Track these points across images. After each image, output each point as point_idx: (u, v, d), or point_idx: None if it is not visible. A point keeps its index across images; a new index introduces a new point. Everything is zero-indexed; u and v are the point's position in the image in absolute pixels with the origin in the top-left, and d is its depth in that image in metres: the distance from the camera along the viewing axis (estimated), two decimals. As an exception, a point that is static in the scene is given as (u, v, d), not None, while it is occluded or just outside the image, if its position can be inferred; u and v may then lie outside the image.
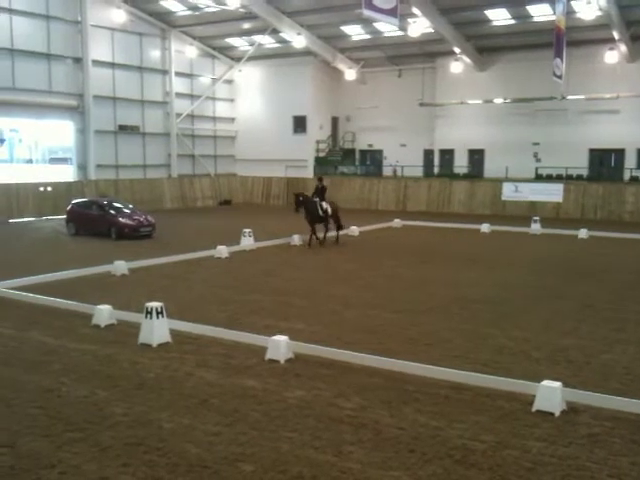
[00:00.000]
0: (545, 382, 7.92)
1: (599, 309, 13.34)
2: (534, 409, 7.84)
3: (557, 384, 7.85)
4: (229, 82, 43.49)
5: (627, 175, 33.13)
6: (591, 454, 6.76)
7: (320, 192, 22.49)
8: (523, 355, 10.17)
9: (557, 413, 7.71)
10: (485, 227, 26.93)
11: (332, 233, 23.29)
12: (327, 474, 6.33)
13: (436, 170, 38.96)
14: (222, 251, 19.84)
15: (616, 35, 31.19)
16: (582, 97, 33.30)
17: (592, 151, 34.45)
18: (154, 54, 38.70)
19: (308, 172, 41.09)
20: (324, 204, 22.26)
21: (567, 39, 30.42)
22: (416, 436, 7.19)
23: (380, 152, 41.67)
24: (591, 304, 13.75)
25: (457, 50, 35.89)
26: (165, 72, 39.21)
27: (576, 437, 7.18)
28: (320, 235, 22.60)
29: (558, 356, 10.12)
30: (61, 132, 36.11)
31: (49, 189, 32.35)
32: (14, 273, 15.59)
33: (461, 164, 37.98)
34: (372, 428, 7.40)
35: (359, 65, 40.55)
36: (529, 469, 6.45)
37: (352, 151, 42.63)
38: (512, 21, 33.20)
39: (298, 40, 36.68)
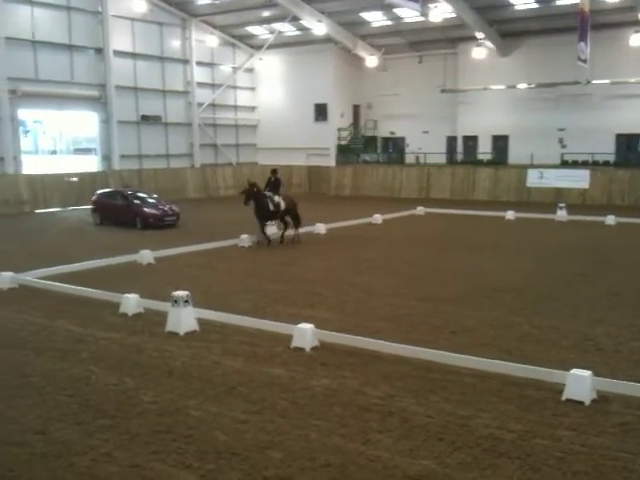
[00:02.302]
0: (575, 370, 7.84)
1: (627, 297, 13.15)
2: (563, 398, 7.76)
3: (587, 372, 7.76)
4: (250, 71, 43.45)
5: (655, 160, 32.59)
6: (623, 444, 6.68)
7: (274, 185, 20.39)
8: (550, 343, 10.08)
9: (587, 402, 7.63)
10: (510, 214, 26.64)
11: (290, 231, 20.89)
12: (355, 462, 6.34)
13: (459, 157, 38.63)
14: (245, 240, 19.89)
15: (642, 17, 30.58)
16: (607, 81, 32.70)
17: (619, 136, 33.85)
18: (175, 44, 38.76)
19: (330, 160, 40.98)
20: (276, 198, 20.02)
21: (591, 22, 29.91)
22: (444, 424, 7.17)
23: (402, 139, 41.39)
24: (619, 292, 13.56)
25: (479, 35, 35.42)
26: (186, 61, 39.26)
27: (607, 426, 7.10)
28: (270, 232, 20.37)
29: (587, 344, 10.00)
30: (85, 123, 36.35)
31: (74, 179, 32.64)
32: (42, 263, 15.79)
33: (485, 151, 37.60)
34: (399, 416, 7.39)
35: (380, 52, 40.22)
36: (559, 458, 6.39)
37: (374, 139, 42.41)
38: (535, 5, 32.67)
39: (318, 27, 36.48)
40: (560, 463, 6.31)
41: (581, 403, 7.63)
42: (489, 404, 7.71)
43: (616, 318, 11.54)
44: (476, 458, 6.42)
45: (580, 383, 7.68)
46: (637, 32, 31.71)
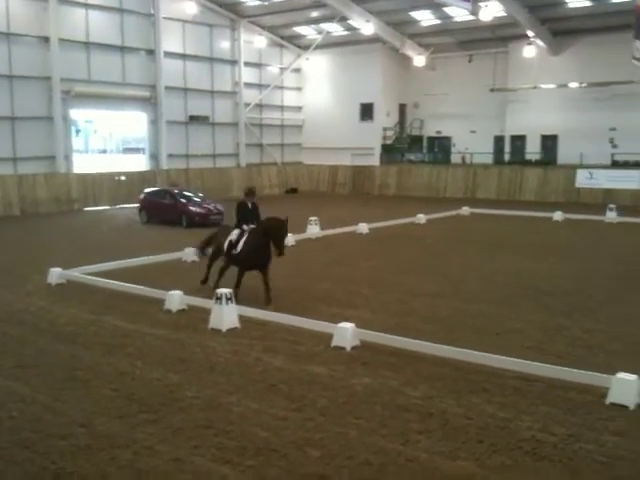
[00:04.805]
0: (620, 374, 7.65)
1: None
2: (608, 402, 7.59)
3: (633, 376, 7.56)
4: (297, 71, 43.64)
5: None
6: (669, 450, 6.50)
7: (251, 213, 12.82)
8: (598, 347, 9.85)
9: (632, 406, 7.44)
10: (558, 215, 26.11)
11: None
12: (394, 462, 6.32)
13: (507, 157, 38.04)
14: (289, 239, 19.98)
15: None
16: (662, 80, 31.75)
17: (673, 136, 32.86)
18: (224, 45, 39.22)
19: (374, 160, 40.85)
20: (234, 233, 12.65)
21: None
22: (484, 426, 7.09)
23: (449, 139, 41.00)
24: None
25: (530, 34, 34.81)
26: (234, 62, 39.67)
27: (653, 432, 6.92)
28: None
29: (635, 349, 9.75)
30: (134, 123, 37.12)
31: (123, 178, 33.36)
32: (91, 260, 16.16)
33: (533, 150, 36.93)
34: (439, 417, 7.33)
35: (428, 51, 39.91)
36: (604, 463, 6.26)
37: (420, 138, 42.12)
38: (588, 2, 31.93)
39: (367, 27, 36.37)
40: (604, 468, 6.18)
41: (626, 407, 7.45)
42: (531, 407, 7.59)
43: (667, 323, 11.21)
44: (516, 461, 6.34)
45: (625, 387, 7.50)
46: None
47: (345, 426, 7.10)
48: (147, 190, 27.40)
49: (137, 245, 20.06)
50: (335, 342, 9.76)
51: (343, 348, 9.64)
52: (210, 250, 13.63)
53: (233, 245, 12.51)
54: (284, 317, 10.93)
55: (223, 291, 10.66)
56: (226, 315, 10.58)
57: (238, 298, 11.33)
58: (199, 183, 34.95)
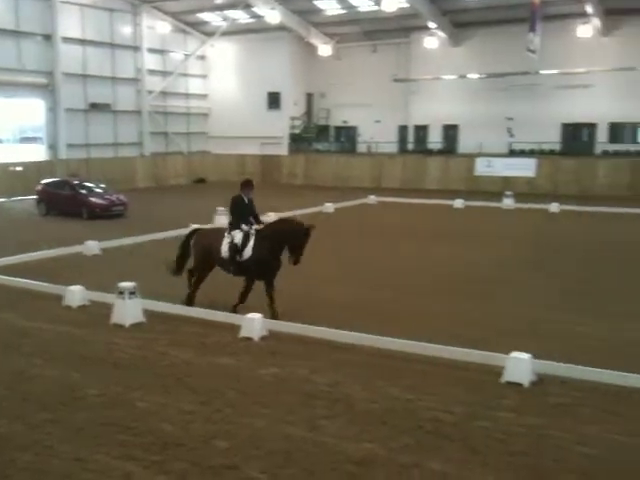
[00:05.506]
0: (514, 353, 8.05)
1: (571, 282, 13.56)
2: (504, 380, 7.97)
3: (526, 355, 7.98)
4: (202, 58, 42.91)
5: (599, 149, 33.48)
6: (560, 423, 6.91)
7: (248, 210, 11.05)
8: (496, 328, 10.31)
9: (526, 384, 7.85)
10: (458, 203, 27.09)
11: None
12: (301, 449, 6.40)
13: (410, 146, 39.00)
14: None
15: (589, 9, 31.27)
16: (556, 72, 33.44)
17: (565, 126, 34.71)
18: (125, 30, 37.98)
19: (283, 149, 40.87)
20: (237, 236, 10.72)
21: (542, 14, 30.45)
22: (389, 409, 7.29)
23: (355, 128, 41.55)
24: (563, 277, 13.99)
25: (432, 25, 35.74)
26: (137, 48, 38.52)
27: (544, 407, 7.34)
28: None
29: (530, 328, 10.27)
30: (31, 111, 35.39)
31: (19, 169, 31.80)
32: (-16, 255, 15.36)
33: (435, 140, 38.04)
34: (346, 402, 7.48)
35: (334, 40, 40.22)
36: (499, 440, 6.58)
37: (326, 128, 42.46)
38: (488, -5, 33.12)
39: (272, 15, 36.22)
40: (499, 444, 6.49)
41: (520, 385, 7.85)
42: (434, 388, 7.87)
43: (560, 303, 11.89)
44: (419, 441, 6.56)
45: (519, 365, 7.90)
46: (584, 23, 32.44)
47: (253, 416, 7.11)
48: (45, 181, 26.22)
49: (36, 239, 19.14)
50: (243, 333, 9.74)
51: (251, 339, 9.63)
52: (192, 260, 11.19)
53: (238, 250, 10.67)
54: (191, 310, 10.79)
55: (126, 285, 10.38)
56: (129, 309, 10.32)
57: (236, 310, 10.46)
58: (100, 173, 33.70)
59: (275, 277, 10.71)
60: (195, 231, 11.50)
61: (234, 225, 10.78)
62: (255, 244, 10.50)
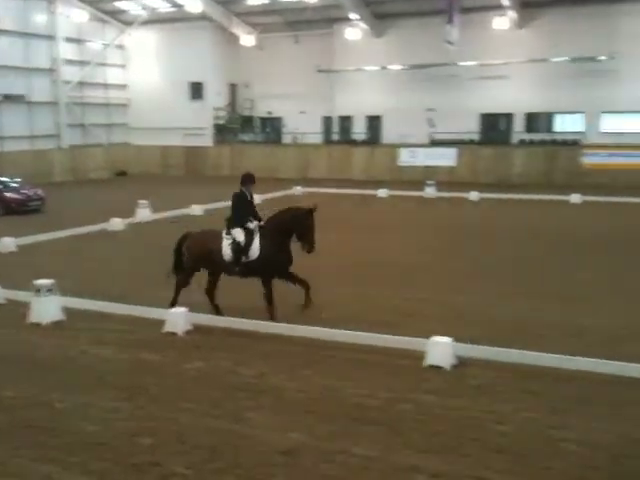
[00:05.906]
0: (435, 337, 8.25)
1: (489, 267, 14.01)
2: (426, 364, 8.18)
3: (447, 339, 8.20)
4: (121, 47, 41.69)
5: (516, 139, 34.66)
6: (479, 404, 7.15)
7: (248, 206, 10.38)
8: (417, 314, 10.54)
9: (447, 367, 8.08)
10: (382, 192, 27.51)
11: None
12: (227, 442, 6.37)
13: (335, 137, 39.24)
14: (116, 224, 19.21)
15: (506, 1, 32.17)
16: (474, 63, 34.29)
17: (483, 116, 35.71)
18: (39, 18, 36.38)
19: (207, 140, 40.33)
20: (238, 235, 10.01)
21: (460, 6, 31.12)
22: (315, 397, 7.36)
23: (280, 119, 41.42)
24: (481, 263, 14.43)
25: (354, 16, 35.96)
26: (52, 38, 37.02)
27: (464, 389, 7.59)
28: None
29: (450, 313, 10.56)
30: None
31: None
32: None
33: (359, 130, 38.42)
34: (272, 393, 7.50)
35: (257, 31, 39.89)
36: (421, 421, 6.76)
37: (251, 118, 42.17)
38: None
39: (193, 4, 35.56)
40: (422, 425, 6.67)
41: (442, 368, 8.08)
42: (359, 374, 7.99)
43: (478, 287, 12.26)
44: (345, 427, 6.65)
45: (440, 349, 8.12)
46: (501, 16, 33.35)
47: (177, 411, 7.03)
48: (-45, 176, 24.95)
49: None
50: (167, 328, 9.59)
51: (175, 334, 9.50)
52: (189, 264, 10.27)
53: (243, 250, 9.93)
54: (113, 306, 10.52)
55: (43, 282, 10.02)
56: (47, 308, 9.98)
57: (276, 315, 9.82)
58: (15, 167, 32.29)
59: (288, 270, 10.05)
60: (187, 236, 10.52)
61: (234, 223, 10.03)
62: (262, 242, 9.85)
